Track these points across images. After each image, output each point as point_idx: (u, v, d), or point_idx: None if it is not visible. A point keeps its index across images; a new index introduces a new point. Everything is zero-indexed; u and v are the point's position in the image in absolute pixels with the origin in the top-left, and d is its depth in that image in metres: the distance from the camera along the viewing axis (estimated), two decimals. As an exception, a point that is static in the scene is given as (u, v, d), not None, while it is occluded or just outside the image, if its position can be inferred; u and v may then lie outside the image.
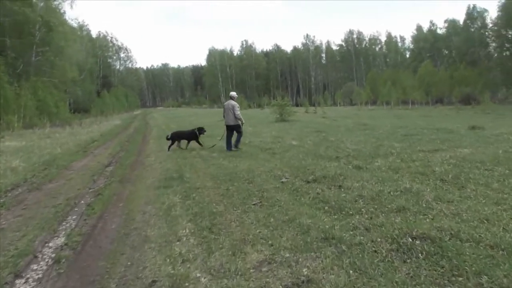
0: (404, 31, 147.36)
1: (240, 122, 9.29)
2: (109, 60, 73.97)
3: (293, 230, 3.44)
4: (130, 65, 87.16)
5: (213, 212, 4.17)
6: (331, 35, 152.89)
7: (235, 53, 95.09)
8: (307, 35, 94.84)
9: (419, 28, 69.62)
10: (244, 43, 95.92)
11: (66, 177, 7.00)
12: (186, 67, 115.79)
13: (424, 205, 3.84)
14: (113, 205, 4.94)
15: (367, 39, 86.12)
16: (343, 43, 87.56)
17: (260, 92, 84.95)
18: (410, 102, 47.94)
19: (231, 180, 5.76)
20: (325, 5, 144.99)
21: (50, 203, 5.07)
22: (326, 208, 4.08)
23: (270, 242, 3.19)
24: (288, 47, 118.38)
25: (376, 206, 3.99)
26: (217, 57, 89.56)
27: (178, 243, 3.34)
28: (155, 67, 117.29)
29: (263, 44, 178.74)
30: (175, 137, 10.03)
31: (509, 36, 44.24)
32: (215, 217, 3.97)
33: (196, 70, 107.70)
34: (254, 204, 4.41)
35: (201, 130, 9.94)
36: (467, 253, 2.64)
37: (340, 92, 68.64)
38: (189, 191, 5.22)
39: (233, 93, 9.75)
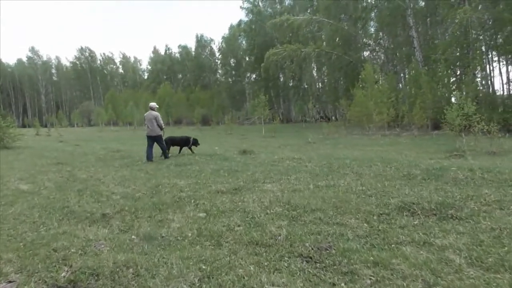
0: (141, 52, 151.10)
1: (162, 132, 9.78)
2: None
3: None
4: None
5: None
6: (62, 50, 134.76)
7: None
8: (32, 48, 78.00)
9: (156, 51, 72.98)
10: None
11: None
12: None
13: None
14: None
15: (101, 58, 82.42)
16: (77, 61, 80.00)
17: (-29, 111, 64.24)
18: (152, 123, 47.88)
19: None
20: (52, 18, 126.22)
21: None
22: None
23: None
24: (12, 60, 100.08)
25: None
26: None
27: None
28: None
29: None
30: (169, 143, 10.45)
31: (232, 64, 53.46)
32: None
33: None
34: None
35: (195, 141, 10.97)
36: None
37: (77, 112, 62.74)
38: None
39: (153, 104, 10.01)
